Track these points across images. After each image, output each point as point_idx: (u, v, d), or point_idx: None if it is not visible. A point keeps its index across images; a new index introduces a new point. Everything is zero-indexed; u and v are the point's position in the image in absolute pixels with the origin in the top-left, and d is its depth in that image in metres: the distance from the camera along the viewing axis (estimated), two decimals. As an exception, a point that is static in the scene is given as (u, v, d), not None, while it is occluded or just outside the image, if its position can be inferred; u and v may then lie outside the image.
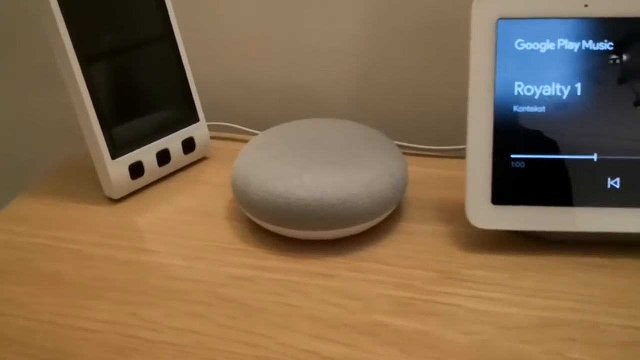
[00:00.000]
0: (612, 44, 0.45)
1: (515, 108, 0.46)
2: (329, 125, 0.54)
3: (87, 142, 0.54)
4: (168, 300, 0.44)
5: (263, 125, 0.62)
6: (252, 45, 0.68)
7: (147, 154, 0.56)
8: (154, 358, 0.39)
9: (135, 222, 0.52)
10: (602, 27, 0.45)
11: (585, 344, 0.39)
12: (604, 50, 0.45)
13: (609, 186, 0.46)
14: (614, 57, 0.45)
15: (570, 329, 0.41)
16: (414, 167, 0.56)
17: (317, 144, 0.50)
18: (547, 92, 0.46)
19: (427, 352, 0.39)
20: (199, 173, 0.59)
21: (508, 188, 0.47)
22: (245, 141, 0.64)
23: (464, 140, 0.47)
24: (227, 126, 0.66)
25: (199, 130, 0.59)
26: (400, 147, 0.59)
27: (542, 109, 0.46)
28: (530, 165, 0.46)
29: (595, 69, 0.45)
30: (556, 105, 0.46)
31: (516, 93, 0.46)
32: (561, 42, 0.45)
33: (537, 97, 0.46)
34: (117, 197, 0.55)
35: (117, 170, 0.54)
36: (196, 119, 0.59)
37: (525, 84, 0.46)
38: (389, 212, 0.50)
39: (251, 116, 0.69)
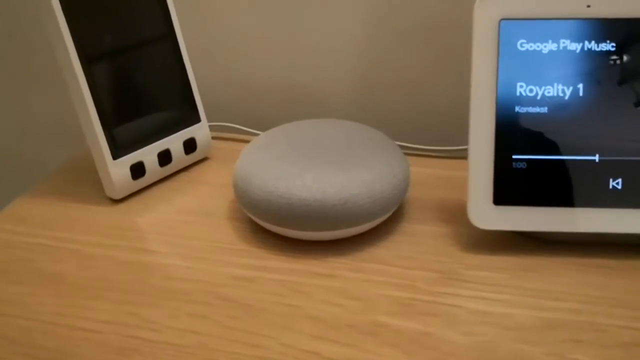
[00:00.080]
0: (614, 44, 0.45)
1: (517, 108, 0.46)
2: (329, 125, 0.54)
3: (88, 142, 0.53)
4: (169, 300, 0.44)
5: (264, 125, 0.62)
6: (253, 45, 0.68)
7: (148, 154, 0.55)
8: (155, 358, 0.39)
9: (136, 222, 0.52)
10: (604, 27, 0.45)
11: (587, 344, 0.39)
12: (606, 51, 0.45)
13: (610, 187, 0.46)
14: (616, 57, 0.45)
15: (571, 330, 0.41)
16: (415, 167, 0.56)
17: (318, 144, 0.50)
18: (548, 92, 0.46)
19: (428, 352, 0.39)
20: (200, 173, 0.59)
21: (509, 188, 0.47)
22: (246, 141, 0.64)
23: (465, 141, 0.47)
24: (228, 126, 0.66)
25: (200, 131, 0.59)
26: (401, 147, 0.58)
27: (544, 110, 0.46)
28: (532, 165, 0.46)
29: (597, 69, 0.45)
30: (558, 106, 0.46)
31: (518, 93, 0.46)
32: (563, 43, 0.45)
33: (538, 97, 0.46)
34: (118, 197, 0.55)
35: (118, 170, 0.54)
36: (197, 119, 0.59)
37: (527, 84, 0.46)
38: (390, 213, 0.50)
39: (252, 116, 0.69)
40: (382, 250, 0.48)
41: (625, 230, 0.46)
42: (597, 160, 0.46)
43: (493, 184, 0.47)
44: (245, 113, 0.70)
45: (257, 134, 0.61)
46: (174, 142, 0.57)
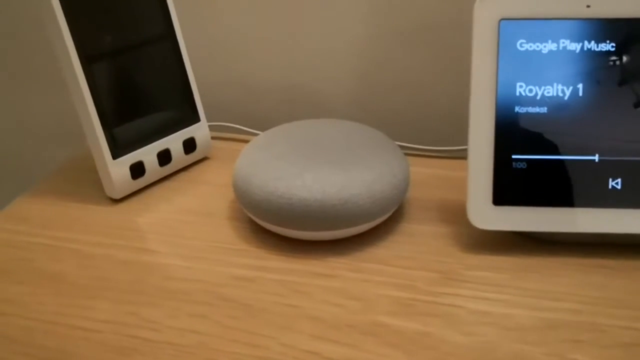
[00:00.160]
0: (614, 44, 0.45)
1: (517, 108, 0.46)
2: (329, 125, 0.54)
3: (88, 142, 0.54)
4: (169, 300, 0.44)
5: (264, 125, 0.62)
6: (253, 45, 0.68)
7: (148, 153, 0.55)
8: (155, 358, 0.39)
9: (136, 222, 0.52)
10: (604, 27, 0.45)
11: (587, 344, 0.39)
12: (606, 51, 0.45)
13: (610, 187, 0.46)
14: (615, 58, 0.45)
15: (571, 330, 0.41)
16: (414, 167, 0.56)
17: (318, 144, 0.50)
18: (548, 92, 0.46)
19: (429, 352, 0.39)
20: (200, 173, 0.59)
21: (509, 188, 0.47)
22: (246, 141, 0.64)
23: (465, 141, 0.47)
24: (227, 126, 0.66)
25: (199, 130, 0.59)
26: (401, 147, 0.58)
27: (544, 110, 0.46)
28: (532, 165, 0.46)
29: (597, 69, 0.45)
30: (557, 106, 0.46)
31: (517, 93, 0.46)
32: (563, 43, 0.45)
33: (538, 97, 0.46)
34: (118, 196, 0.55)
35: (118, 170, 0.54)
36: (197, 119, 0.59)
37: (527, 85, 0.46)
38: (390, 213, 0.50)
39: (252, 116, 0.69)
40: (382, 250, 0.48)
41: (625, 230, 0.46)
42: (596, 161, 0.46)
43: (493, 184, 0.47)
44: (245, 113, 0.70)
45: (257, 134, 0.61)
46: (173, 141, 0.57)
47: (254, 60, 0.69)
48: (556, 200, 0.46)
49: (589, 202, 0.46)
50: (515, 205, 0.47)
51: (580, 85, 0.45)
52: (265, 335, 0.41)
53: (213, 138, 0.62)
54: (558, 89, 0.46)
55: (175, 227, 0.51)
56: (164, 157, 0.57)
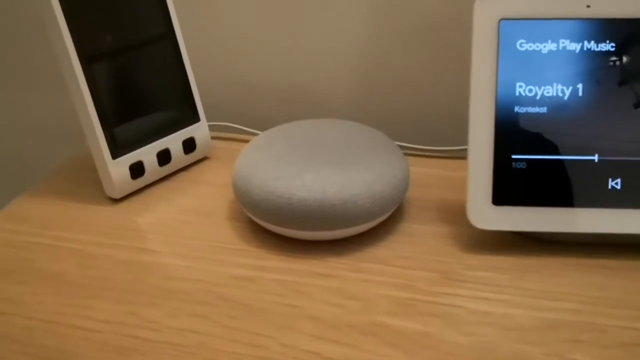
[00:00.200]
0: (613, 44, 0.45)
1: (517, 108, 0.46)
2: (329, 125, 0.54)
3: (88, 142, 0.54)
4: (169, 300, 0.44)
5: (263, 125, 0.62)
6: (253, 45, 0.68)
7: (147, 153, 0.55)
8: (155, 358, 0.39)
9: (136, 221, 0.52)
10: (604, 27, 0.45)
11: (586, 344, 0.39)
12: (606, 51, 0.45)
13: (609, 187, 0.46)
14: (615, 58, 0.45)
15: (571, 330, 0.41)
16: (414, 167, 0.56)
17: (318, 144, 0.50)
18: (548, 92, 0.46)
19: (429, 352, 0.39)
20: (200, 173, 0.59)
21: (509, 188, 0.47)
22: (246, 141, 0.64)
23: (464, 141, 0.47)
24: (227, 126, 0.66)
25: (199, 130, 0.59)
26: (401, 147, 0.58)
27: (543, 110, 0.46)
28: (531, 165, 0.46)
29: (596, 69, 0.45)
30: (557, 106, 0.46)
31: (517, 93, 0.46)
32: (563, 43, 0.45)
33: (538, 97, 0.46)
34: (117, 196, 0.55)
35: (117, 169, 0.54)
36: (197, 119, 0.59)
37: (527, 85, 0.46)
38: (390, 213, 0.50)
39: (252, 116, 0.69)
40: (382, 250, 0.48)
41: (624, 230, 0.46)
42: (596, 161, 0.46)
43: (492, 184, 0.47)
44: (245, 113, 0.70)
45: (256, 134, 0.61)
46: (173, 141, 0.57)
47: (254, 60, 0.69)
48: (556, 200, 0.46)
49: (588, 202, 0.46)
50: (515, 205, 0.47)
51: (580, 86, 0.45)
52: (265, 335, 0.41)
53: (213, 138, 0.62)
54: (558, 89, 0.46)
55: (175, 227, 0.51)
56: (164, 157, 0.57)
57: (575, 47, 0.45)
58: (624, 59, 0.45)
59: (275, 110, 0.70)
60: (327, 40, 0.66)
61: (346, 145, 0.50)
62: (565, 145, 0.46)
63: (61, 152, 0.64)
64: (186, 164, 0.60)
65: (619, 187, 0.46)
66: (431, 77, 0.65)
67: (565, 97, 0.46)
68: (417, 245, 0.48)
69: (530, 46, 0.45)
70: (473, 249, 0.48)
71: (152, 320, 0.42)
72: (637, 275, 0.45)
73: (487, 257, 0.47)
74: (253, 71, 0.69)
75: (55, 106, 0.76)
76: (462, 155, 0.56)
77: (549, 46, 0.45)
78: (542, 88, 0.46)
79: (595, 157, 0.46)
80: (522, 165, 0.46)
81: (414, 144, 0.61)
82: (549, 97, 0.46)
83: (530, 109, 0.46)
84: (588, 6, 0.45)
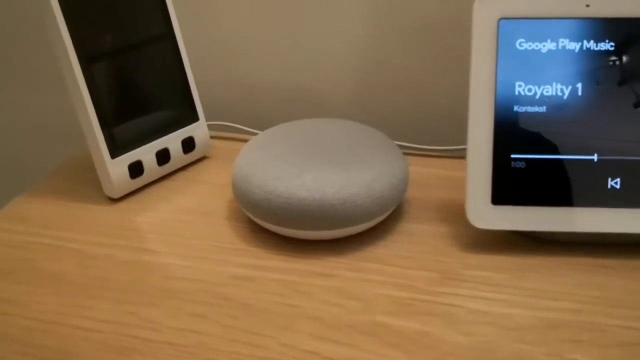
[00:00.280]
0: (613, 44, 0.45)
1: (516, 108, 0.46)
2: (329, 125, 0.54)
3: (87, 141, 0.54)
4: (169, 299, 0.44)
5: (263, 124, 0.62)
6: (253, 45, 0.68)
7: (146, 153, 0.55)
8: (155, 358, 0.39)
9: (136, 221, 0.52)
10: (604, 27, 0.45)
11: (586, 344, 0.39)
12: (605, 51, 0.45)
13: (609, 186, 0.46)
14: (615, 57, 0.45)
15: (571, 330, 0.41)
16: (414, 167, 0.56)
17: (318, 144, 0.50)
18: (547, 92, 0.46)
19: (428, 352, 0.39)
20: (199, 172, 0.59)
21: (508, 188, 0.47)
22: (245, 141, 0.64)
23: (464, 140, 0.47)
24: (227, 125, 0.66)
25: (198, 130, 0.59)
26: (401, 147, 0.58)
27: (543, 109, 0.46)
28: (531, 165, 0.46)
29: (596, 69, 0.45)
30: (557, 105, 0.46)
31: (517, 93, 0.46)
32: (562, 42, 0.45)
33: (537, 97, 0.46)
34: (116, 196, 0.55)
35: (116, 169, 0.54)
36: (196, 118, 0.59)
37: (526, 84, 0.46)
38: (389, 212, 0.50)
39: (251, 116, 0.69)
40: (381, 250, 0.48)
41: (624, 229, 0.46)
42: (595, 160, 0.46)
43: (492, 184, 0.47)
44: (244, 112, 0.70)
45: (256, 134, 0.61)
46: (172, 141, 0.57)
47: (254, 60, 0.69)
48: (555, 200, 0.46)
49: (588, 201, 0.46)
50: (514, 204, 0.47)
51: (579, 85, 0.45)
52: (265, 335, 0.41)
53: (212, 137, 0.62)
54: (557, 89, 0.46)
55: (175, 226, 0.51)
56: (163, 156, 0.57)
57: (574, 46, 0.45)
58: (624, 58, 0.45)
59: (275, 110, 0.70)
60: (327, 40, 0.66)
61: (346, 145, 0.50)
62: (565, 145, 0.46)
63: (61, 152, 0.64)
64: (185, 163, 0.60)
65: (618, 186, 0.46)
66: (431, 77, 0.65)
67: (565, 97, 0.46)
68: (417, 244, 0.48)
69: (530, 45, 0.45)
70: (472, 249, 0.48)
71: (152, 320, 0.42)
72: (637, 275, 0.45)
73: (486, 257, 0.47)
74: (253, 71, 0.69)
75: (55, 106, 0.76)
76: (461, 155, 0.56)
77: (548, 45, 0.45)
78: (542, 87, 0.46)
79: (595, 157, 0.46)
80: (522, 164, 0.46)
81: (414, 143, 0.61)
82: (548, 97, 0.46)
83: (530, 109, 0.46)
84: (587, 5, 0.45)
